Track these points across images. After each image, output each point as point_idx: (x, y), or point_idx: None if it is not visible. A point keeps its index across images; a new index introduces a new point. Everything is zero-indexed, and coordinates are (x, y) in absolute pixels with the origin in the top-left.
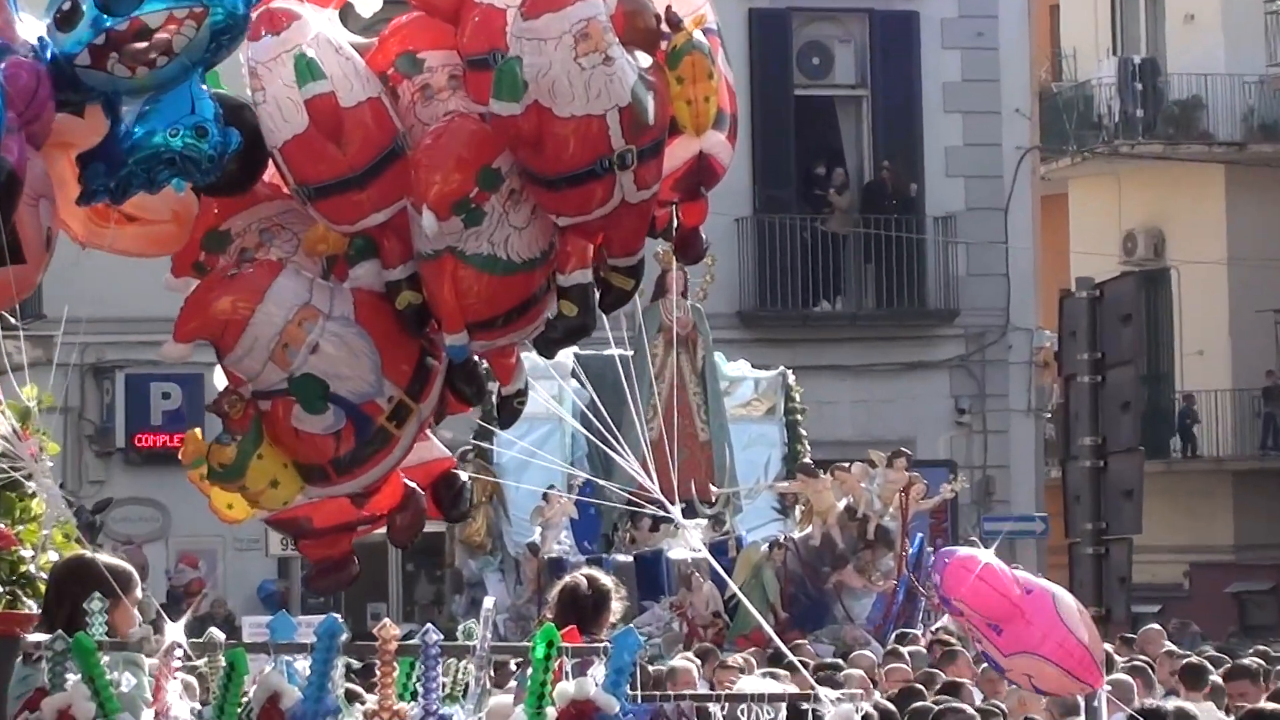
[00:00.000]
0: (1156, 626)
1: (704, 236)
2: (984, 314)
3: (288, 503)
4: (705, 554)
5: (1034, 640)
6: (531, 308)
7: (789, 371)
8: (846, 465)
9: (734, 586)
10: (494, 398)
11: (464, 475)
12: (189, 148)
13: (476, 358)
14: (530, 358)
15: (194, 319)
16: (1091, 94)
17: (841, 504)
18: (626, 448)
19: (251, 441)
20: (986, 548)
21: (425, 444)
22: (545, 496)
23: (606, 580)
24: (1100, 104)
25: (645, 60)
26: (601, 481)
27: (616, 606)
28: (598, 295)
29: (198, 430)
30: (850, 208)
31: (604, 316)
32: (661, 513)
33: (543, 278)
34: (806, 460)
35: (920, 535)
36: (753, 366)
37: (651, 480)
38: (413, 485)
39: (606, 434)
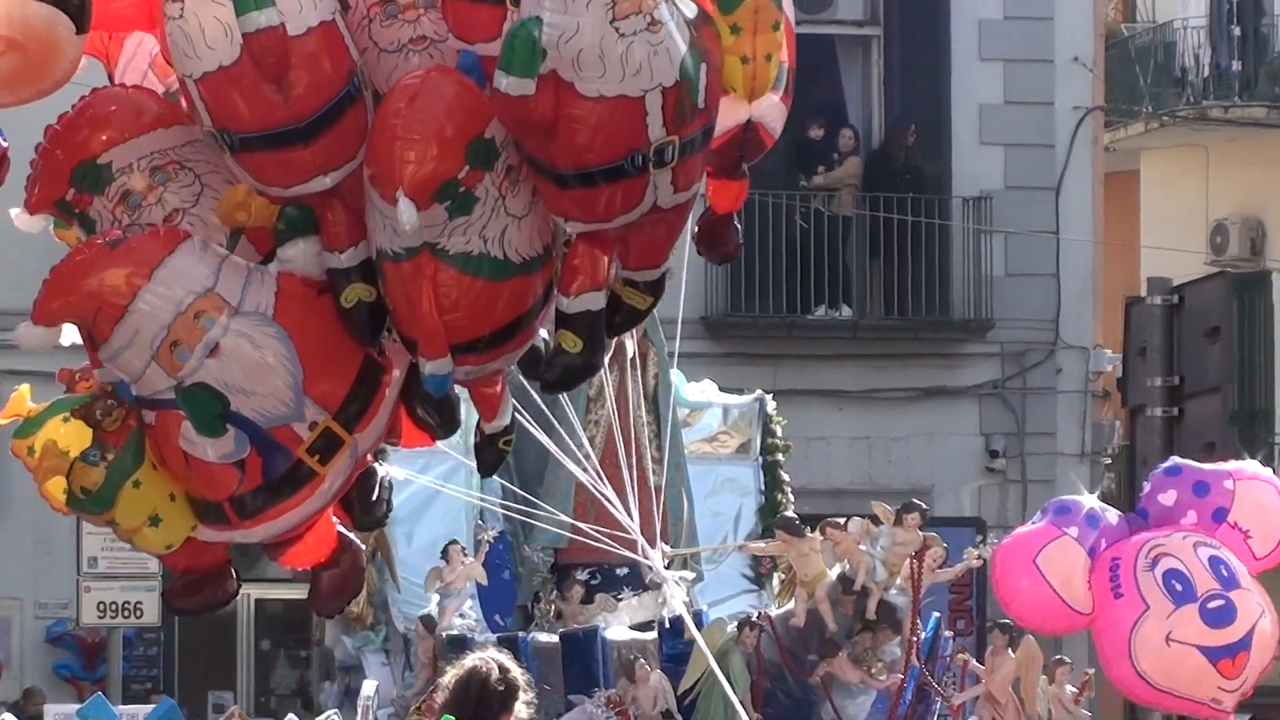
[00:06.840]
0: None
1: (739, 229)
2: (1026, 326)
3: (171, 546)
4: (686, 617)
5: None
6: (525, 325)
7: (768, 397)
8: (842, 521)
9: (716, 666)
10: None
11: (382, 469)
12: None
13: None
14: None
15: (59, 296)
16: (1173, 39)
17: (834, 572)
18: (582, 475)
19: (129, 463)
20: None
21: None
22: (445, 554)
23: (518, 671)
24: (1184, 53)
25: (690, 8)
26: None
27: (523, 713)
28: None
29: (25, 387)
30: (854, 184)
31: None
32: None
33: (542, 284)
34: (789, 514)
35: (936, 615)
36: (721, 389)
37: (632, 516)
38: (349, 535)
39: (552, 451)
